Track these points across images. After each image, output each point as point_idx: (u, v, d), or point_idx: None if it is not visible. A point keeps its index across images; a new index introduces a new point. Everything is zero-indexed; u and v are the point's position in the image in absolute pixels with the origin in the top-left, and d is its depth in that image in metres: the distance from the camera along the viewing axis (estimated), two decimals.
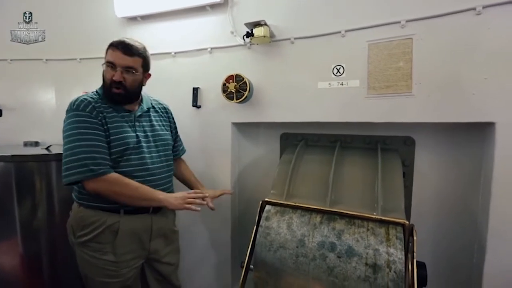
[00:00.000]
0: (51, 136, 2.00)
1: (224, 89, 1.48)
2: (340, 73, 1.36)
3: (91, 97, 1.14)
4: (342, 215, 1.07)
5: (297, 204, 1.14)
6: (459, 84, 1.15)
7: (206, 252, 1.74)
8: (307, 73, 1.43)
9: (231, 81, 1.46)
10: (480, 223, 1.23)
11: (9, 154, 1.47)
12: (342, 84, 1.36)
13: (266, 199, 1.20)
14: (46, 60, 1.98)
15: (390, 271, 0.92)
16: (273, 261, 1.07)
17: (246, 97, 1.44)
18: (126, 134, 1.16)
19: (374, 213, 1.04)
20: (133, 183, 1.12)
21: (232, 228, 1.70)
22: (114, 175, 1.09)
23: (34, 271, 1.59)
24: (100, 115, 1.11)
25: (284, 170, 1.31)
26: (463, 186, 1.33)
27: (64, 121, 1.10)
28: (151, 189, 1.15)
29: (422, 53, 1.20)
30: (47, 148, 1.70)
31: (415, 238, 0.98)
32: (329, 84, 1.38)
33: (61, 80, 2.01)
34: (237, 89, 1.44)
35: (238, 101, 1.45)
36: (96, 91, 1.20)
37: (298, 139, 1.61)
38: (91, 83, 1.96)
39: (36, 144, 2.03)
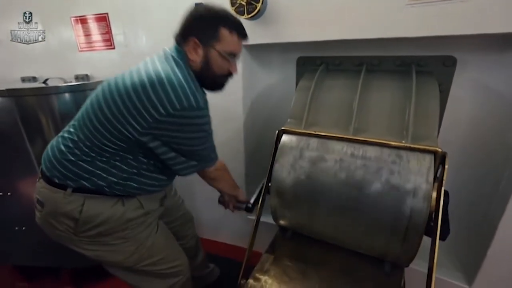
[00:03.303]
0: (45, 70, 1.87)
1: (233, 2, 1.24)
2: None
3: (195, 86, 0.89)
4: (366, 144, 0.99)
5: (316, 133, 1.05)
6: None
7: None
8: None
9: None
10: None
11: (4, 89, 1.37)
12: None
13: (283, 127, 1.11)
14: None
15: (416, 180, 0.87)
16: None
17: (259, 10, 1.20)
18: None
19: (403, 141, 0.95)
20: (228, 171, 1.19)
21: (245, 161, 1.68)
22: (221, 162, 1.13)
23: None
24: None
25: (303, 97, 1.18)
26: (503, 113, 1.19)
27: (191, 118, 0.87)
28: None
29: None
30: (44, 82, 1.59)
31: (446, 166, 0.91)
32: None
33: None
34: (248, 0, 1.19)
35: (249, 16, 1.22)
36: (188, 75, 0.90)
37: (317, 64, 1.43)
38: (76, 6, 1.73)
39: (34, 79, 1.93)
